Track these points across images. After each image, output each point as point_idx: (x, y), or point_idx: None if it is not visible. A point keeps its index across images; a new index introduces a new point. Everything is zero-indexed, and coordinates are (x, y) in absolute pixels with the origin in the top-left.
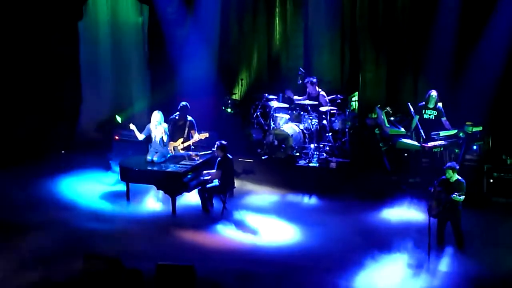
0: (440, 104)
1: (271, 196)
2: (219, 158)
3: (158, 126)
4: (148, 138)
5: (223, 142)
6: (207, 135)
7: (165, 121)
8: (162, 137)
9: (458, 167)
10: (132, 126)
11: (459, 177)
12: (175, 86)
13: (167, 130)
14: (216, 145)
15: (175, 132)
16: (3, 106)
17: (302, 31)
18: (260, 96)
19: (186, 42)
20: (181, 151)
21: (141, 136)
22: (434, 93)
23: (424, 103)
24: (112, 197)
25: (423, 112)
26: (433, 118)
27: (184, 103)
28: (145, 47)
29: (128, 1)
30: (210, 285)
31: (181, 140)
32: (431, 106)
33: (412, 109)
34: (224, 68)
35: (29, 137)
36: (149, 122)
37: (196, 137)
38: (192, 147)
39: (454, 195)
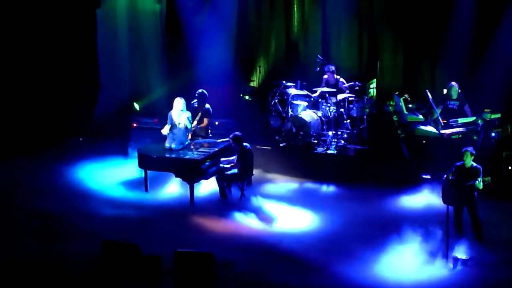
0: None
1: (289, 183)
2: (238, 150)
3: (181, 113)
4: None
5: (237, 133)
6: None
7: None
8: (185, 125)
9: (474, 152)
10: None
11: (474, 163)
12: (193, 73)
13: (190, 117)
14: (231, 137)
15: (195, 119)
16: (21, 93)
17: (320, 18)
18: (278, 83)
19: (203, 30)
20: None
21: (168, 127)
22: (454, 83)
23: (446, 94)
24: (130, 185)
25: (447, 103)
26: (457, 108)
27: (201, 90)
28: (162, 34)
29: None
30: (228, 272)
31: (194, 123)
32: (455, 97)
33: (430, 96)
34: (242, 55)
35: (47, 123)
36: (169, 110)
37: (195, 123)
38: (210, 134)
39: (477, 181)
